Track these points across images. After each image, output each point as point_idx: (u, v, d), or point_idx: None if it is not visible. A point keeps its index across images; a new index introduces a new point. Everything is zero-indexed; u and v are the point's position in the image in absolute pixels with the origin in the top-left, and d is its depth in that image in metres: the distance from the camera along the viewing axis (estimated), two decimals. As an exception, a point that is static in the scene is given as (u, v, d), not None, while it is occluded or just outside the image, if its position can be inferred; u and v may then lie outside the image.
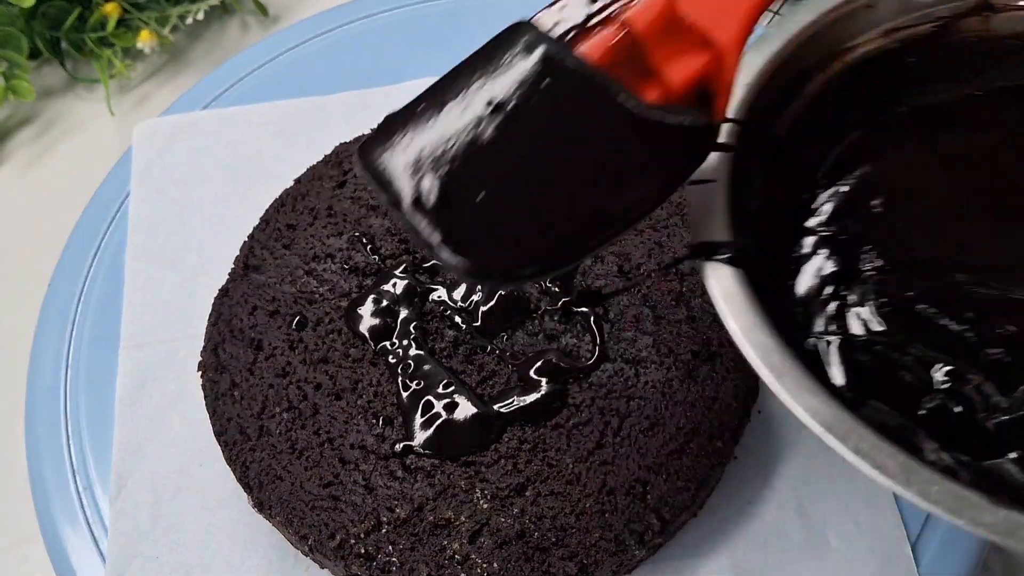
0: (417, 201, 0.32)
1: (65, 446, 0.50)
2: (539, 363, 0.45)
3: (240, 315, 0.49)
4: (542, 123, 0.33)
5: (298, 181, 0.54)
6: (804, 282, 0.38)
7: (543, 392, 0.45)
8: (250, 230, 0.52)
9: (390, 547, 0.42)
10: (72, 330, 0.54)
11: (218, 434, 0.45)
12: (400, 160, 0.32)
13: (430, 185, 0.32)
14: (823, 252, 0.39)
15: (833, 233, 0.40)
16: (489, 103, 0.32)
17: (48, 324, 0.55)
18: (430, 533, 0.42)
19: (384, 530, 0.42)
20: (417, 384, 0.45)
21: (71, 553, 0.47)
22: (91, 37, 0.74)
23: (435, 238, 0.31)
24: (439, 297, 0.48)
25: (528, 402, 0.44)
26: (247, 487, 0.44)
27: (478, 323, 0.47)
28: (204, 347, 0.49)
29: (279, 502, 0.43)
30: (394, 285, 0.48)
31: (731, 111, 0.37)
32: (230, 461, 0.45)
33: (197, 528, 0.47)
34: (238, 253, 0.52)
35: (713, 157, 0.36)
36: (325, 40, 0.67)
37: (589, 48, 0.32)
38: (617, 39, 0.32)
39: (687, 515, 0.44)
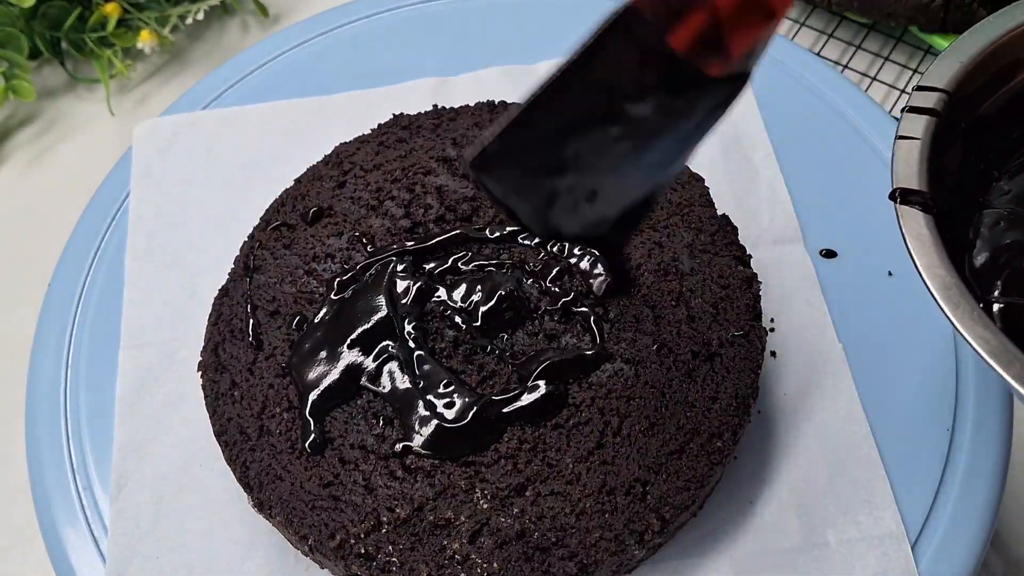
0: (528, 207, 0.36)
1: (65, 446, 0.50)
2: (539, 363, 0.45)
3: (240, 315, 0.49)
4: (637, 115, 0.35)
5: (298, 181, 0.54)
6: (981, 249, 0.43)
7: (543, 392, 0.45)
8: (250, 230, 0.52)
9: (390, 547, 0.42)
10: (72, 330, 0.54)
11: (218, 434, 0.45)
12: (511, 172, 0.35)
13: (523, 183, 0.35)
14: (1002, 226, 0.44)
15: (1015, 212, 0.44)
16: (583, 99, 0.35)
17: (48, 324, 0.55)
18: (430, 533, 0.42)
19: (384, 530, 0.42)
20: (417, 384, 0.45)
21: (71, 553, 0.47)
22: (91, 37, 0.74)
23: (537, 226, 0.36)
24: (439, 297, 0.48)
25: (528, 402, 0.44)
26: (247, 487, 0.44)
27: (478, 323, 0.47)
28: (204, 347, 0.48)
29: (279, 502, 0.43)
30: (394, 285, 0.48)
31: (944, 83, 0.44)
32: (230, 461, 0.44)
33: (197, 528, 0.47)
34: (238, 253, 0.52)
35: (921, 120, 0.43)
36: (325, 40, 0.67)
37: (678, 38, 0.34)
38: (702, 24, 0.34)
39: (687, 515, 0.44)
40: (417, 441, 0.44)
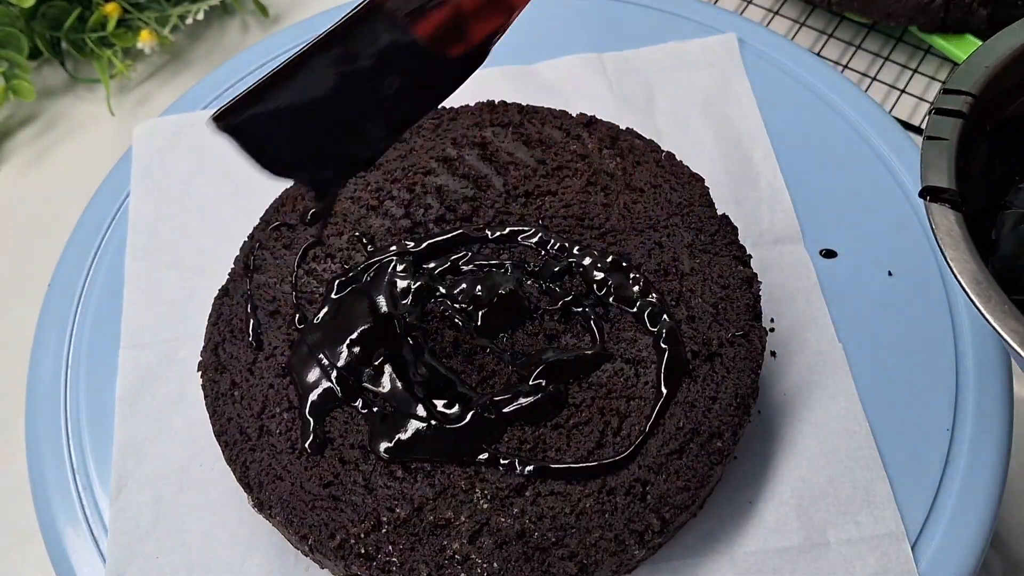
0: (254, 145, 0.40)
1: (65, 446, 0.50)
2: (539, 363, 0.45)
3: (240, 315, 0.49)
4: (353, 79, 0.41)
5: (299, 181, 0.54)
6: (1003, 249, 0.44)
7: (543, 392, 0.45)
8: (250, 230, 0.52)
9: (390, 547, 0.42)
10: (72, 330, 0.54)
11: (218, 434, 0.45)
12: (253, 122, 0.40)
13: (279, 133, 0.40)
14: (1021, 230, 0.44)
15: None
16: (336, 60, 0.40)
17: (48, 324, 0.54)
18: (430, 533, 0.42)
19: (384, 530, 0.42)
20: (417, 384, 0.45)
21: (71, 553, 0.47)
22: (91, 37, 0.74)
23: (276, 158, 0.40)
24: (439, 297, 0.48)
25: (528, 402, 0.44)
26: (247, 487, 0.44)
27: (478, 323, 0.47)
28: (204, 347, 0.48)
29: (279, 502, 0.43)
30: (394, 285, 0.48)
31: (970, 86, 0.45)
32: (230, 461, 0.44)
33: (198, 528, 0.47)
34: (238, 253, 0.52)
35: (949, 122, 0.45)
36: (325, 40, 0.67)
37: (422, 27, 0.40)
38: (445, 17, 0.40)
39: (687, 515, 0.44)
40: None
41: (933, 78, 0.73)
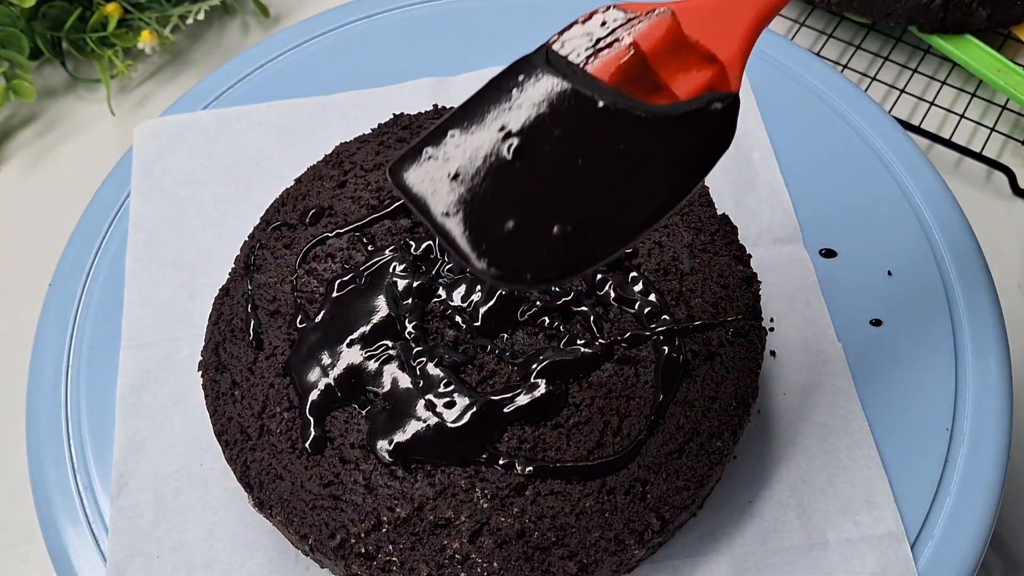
0: (447, 214, 0.34)
1: (66, 445, 0.50)
2: (539, 363, 0.45)
3: (241, 315, 0.49)
4: (560, 138, 0.35)
5: (299, 181, 0.54)
6: None
7: (543, 392, 0.45)
8: (251, 230, 0.52)
9: (390, 546, 0.42)
10: (73, 330, 0.54)
11: (218, 433, 0.45)
12: (431, 177, 0.35)
13: (458, 199, 0.34)
14: None
15: None
16: (508, 126, 0.35)
17: (49, 324, 0.55)
18: (430, 532, 0.42)
19: (384, 529, 0.42)
20: (417, 384, 0.45)
21: (71, 552, 0.47)
22: (92, 37, 0.74)
23: (466, 248, 0.34)
24: (440, 297, 0.48)
25: (528, 402, 0.44)
26: (247, 486, 0.44)
27: (478, 323, 0.47)
28: (205, 346, 0.49)
29: (279, 502, 0.43)
30: (395, 285, 0.48)
31: None
32: (231, 460, 0.45)
33: (198, 527, 0.47)
34: (239, 253, 0.52)
35: None
36: (326, 40, 0.68)
37: (600, 68, 0.35)
38: (626, 58, 0.35)
39: (687, 515, 0.44)
40: None
41: (933, 78, 0.73)
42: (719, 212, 0.52)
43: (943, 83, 0.72)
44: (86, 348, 0.53)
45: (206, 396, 0.47)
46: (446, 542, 0.42)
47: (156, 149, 0.61)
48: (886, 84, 0.73)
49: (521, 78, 0.35)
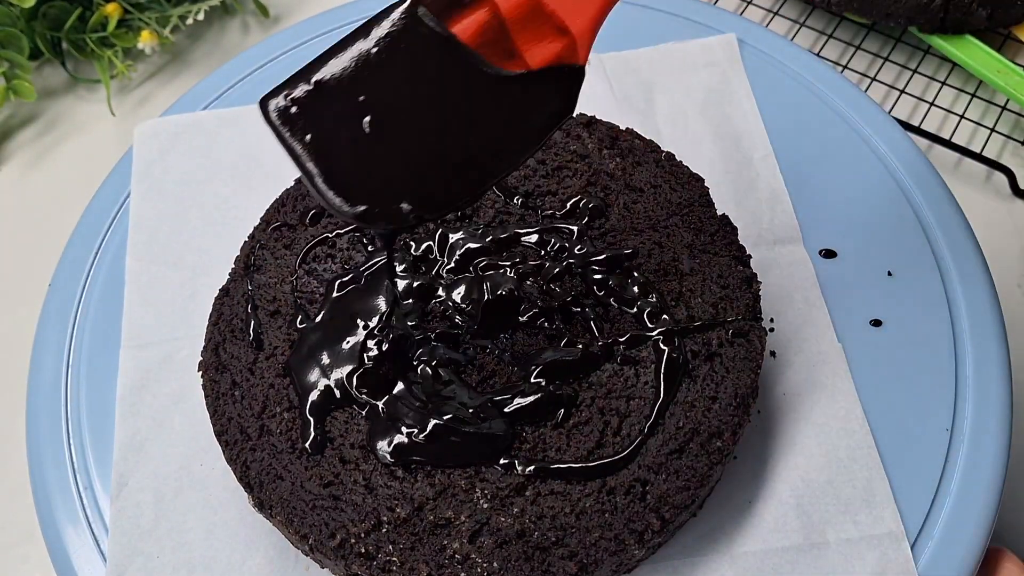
0: (311, 154, 0.37)
1: (66, 445, 0.51)
2: (539, 363, 0.46)
3: (241, 315, 0.49)
4: (416, 87, 0.38)
5: (299, 181, 0.55)
6: None
7: (543, 392, 0.45)
8: (251, 230, 0.53)
9: (390, 546, 0.42)
10: (73, 330, 0.54)
11: (218, 434, 0.46)
12: (299, 118, 0.37)
13: (322, 141, 0.37)
14: None
15: None
16: (371, 76, 0.38)
17: (49, 324, 0.55)
18: (430, 532, 0.42)
19: (384, 529, 0.42)
20: (417, 383, 0.45)
21: (71, 552, 0.47)
22: (92, 37, 0.75)
23: (322, 186, 0.37)
24: (440, 297, 0.48)
25: (527, 402, 0.45)
26: (247, 487, 0.44)
27: (478, 323, 0.47)
28: (205, 347, 0.49)
29: (279, 502, 0.43)
30: (395, 285, 0.48)
31: None
32: (231, 461, 0.45)
33: (198, 527, 0.47)
34: (239, 253, 0.52)
35: None
36: (326, 40, 0.67)
37: (461, 28, 0.38)
38: (485, 20, 0.37)
39: (687, 514, 0.45)
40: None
41: (932, 78, 0.73)
42: (719, 212, 0.52)
43: (943, 83, 0.72)
44: (86, 348, 0.54)
45: (206, 396, 0.47)
46: (446, 542, 0.42)
47: (156, 149, 0.61)
48: (886, 84, 0.73)
49: (388, 28, 0.38)
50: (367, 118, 0.37)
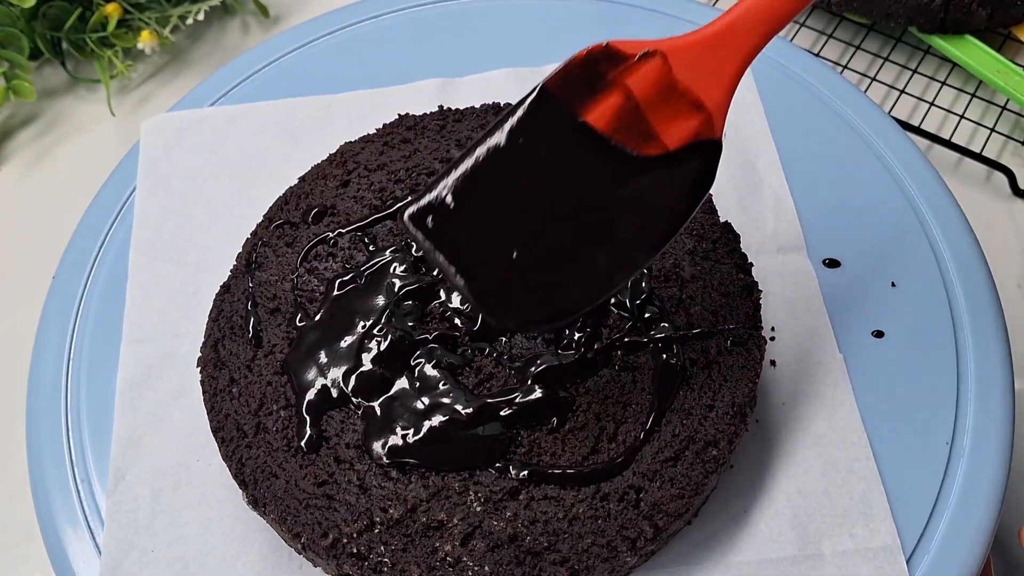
0: (459, 262, 0.39)
1: (65, 444, 0.52)
2: (536, 367, 0.47)
3: (241, 312, 0.51)
4: (557, 182, 0.39)
5: (302, 179, 0.57)
6: None
7: (539, 395, 0.46)
8: (254, 227, 0.55)
9: (382, 547, 0.44)
10: (75, 325, 0.57)
11: (215, 430, 0.47)
12: (441, 224, 0.39)
13: (469, 247, 0.39)
14: None
15: None
16: (511, 175, 0.39)
17: (51, 318, 0.57)
18: (422, 534, 0.44)
19: (377, 530, 0.44)
20: (414, 385, 0.47)
21: (70, 552, 0.49)
22: (92, 37, 0.77)
23: (476, 299, 0.40)
24: (439, 299, 0.49)
25: (524, 404, 0.46)
26: (242, 484, 0.46)
27: (477, 326, 0.48)
28: (204, 343, 0.51)
29: (273, 500, 0.45)
30: (394, 286, 0.49)
31: None
32: (226, 457, 0.47)
33: (194, 523, 0.49)
34: (241, 250, 0.54)
35: None
36: (332, 40, 0.70)
37: (595, 116, 0.39)
38: (620, 104, 0.39)
39: (681, 523, 0.46)
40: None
41: (932, 78, 0.75)
42: (723, 219, 0.53)
43: (943, 83, 0.74)
44: (87, 343, 0.56)
45: (204, 392, 0.49)
46: (438, 544, 0.43)
47: (162, 145, 0.64)
48: (886, 84, 0.75)
49: (522, 124, 0.39)
50: (510, 222, 0.39)
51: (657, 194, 0.40)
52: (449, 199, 0.39)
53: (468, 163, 0.39)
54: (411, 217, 0.39)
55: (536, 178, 0.39)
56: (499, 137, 0.39)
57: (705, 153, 0.40)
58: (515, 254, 0.39)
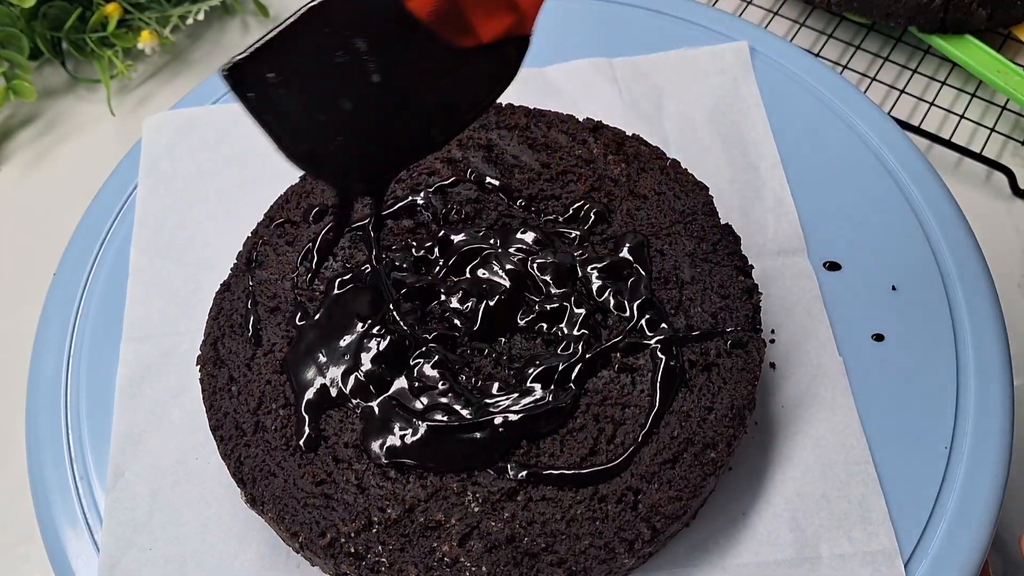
0: (277, 121, 0.42)
1: (65, 443, 0.54)
2: (535, 367, 0.48)
3: (240, 310, 0.53)
4: (375, 60, 0.42)
5: (303, 178, 0.58)
6: None
7: (538, 397, 0.47)
8: (254, 226, 0.56)
9: (380, 547, 0.45)
10: (75, 323, 0.58)
11: (214, 428, 0.49)
12: (264, 86, 0.42)
13: (288, 106, 0.43)
14: None
15: None
16: (330, 38, 0.42)
17: (51, 317, 0.58)
18: (420, 534, 0.45)
19: (375, 530, 0.45)
20: (413, 386, 0.48)
21: (69, 552, 0.50)
22: (92, 37, 0.78)
23: (299, 155, 0.44)
24: (440, 299, 0.50)
25: (522, 406, 0.47)
26: (240, 482, 0.47)
27: (476, 326, 0.49)
28: (204, 341, 0.52)
29: (271, 499, 0.46)
30: (395, 285, 0.51)
31: None
32: (225, 456, 0.48)
33: (192, 521, 0.50)
34: (241, 248, 0.55)
35: None
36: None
37: (418, 5, 0.42)
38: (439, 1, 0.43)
39: (678, 525, 0.47)
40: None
41: (933, 78, 0.77)
42: (723, 221, 0.54)
43: (943, 83, 0.76)
44: (88, 341, 0.57)
45: (203, 391, 0.50)
46: (435, 544, 0.45)
47: (164, 143, 0.65)
48: (886, 84, 0.76)
49: (347, 3, 0.42)
50: (326, 88, 0.43)
51: (466, 81, 0.44)
52: (269, 59, 0.42)
53: (290, 24, 0.42)
54: (228, 73, 0.41)
55: (357, 55, 0.42)
56: (323, 10, 0.42)
57: (516, 47, 0.44)
58: (329, 119, 0.43)
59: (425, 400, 0.48)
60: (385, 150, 0.45)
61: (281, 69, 0.42)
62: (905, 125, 0.71)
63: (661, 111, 0.65)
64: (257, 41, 0.41)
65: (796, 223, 0.59)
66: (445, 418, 0.47)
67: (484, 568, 0.44)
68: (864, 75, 0.76)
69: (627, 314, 0.50)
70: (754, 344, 0.50)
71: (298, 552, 0.47)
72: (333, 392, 0.49)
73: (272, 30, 0.41)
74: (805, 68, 0.66)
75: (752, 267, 0.53)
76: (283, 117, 0.43)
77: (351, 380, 0.49)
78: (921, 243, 0.58)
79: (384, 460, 0.47)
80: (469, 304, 0.50)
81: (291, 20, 0.41)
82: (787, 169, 0.62)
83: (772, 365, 0.54)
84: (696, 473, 0.46)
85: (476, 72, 0.45)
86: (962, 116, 0.74)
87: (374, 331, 0.50)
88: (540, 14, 0.44)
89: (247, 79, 0.41)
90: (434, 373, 0.49)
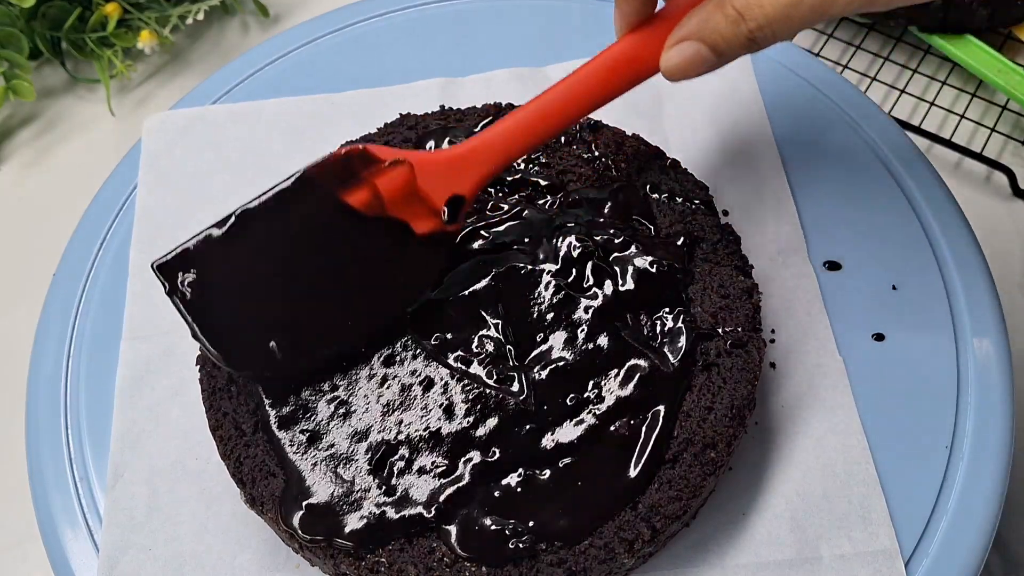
0: (202, 317, 0.46)
1: (65, 444, 0.54)
2: (537, 366, 0.48)
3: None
4: (319, 252, 0.46)
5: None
6: None
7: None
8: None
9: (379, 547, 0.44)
10: (75, 323, 0.58)
11: (213, 429, 0.49)
12: (192, 281, 0.46)
13: (218, 306, 0.46)
14: None
15: None
16: (268, 243, 0.47)
17: (51, 317, 0.59)
18: (419, 535, 0.45)
19: (374, 530, 0.45)
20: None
21: (69, 551, 0.50)
22: (91, 37, 0.78)
23: (201, 337, 0.46)
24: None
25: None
26: (240, 483, 0.47)
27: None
28: (204, 341, 0.52)
29: (271, 499, 0.46)
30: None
31: None
32: (224, 456, 0.48)
33: (192, 521, 0.51)
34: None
35: None
36: (334, 39, 0.71)
37: (353, 200, 0.47)
38: (368, 199, 0.47)
39: (678, 525, 0.47)
40: None
41: (933, 78, 0.77)
42: (723, 221, 0.54)
43: (943, 83, 0.76)
44: (87, 341, 0.57)
45: (203, 391, 0.51)
46: (435, 544, 0.44)
47: (164, 142, 0.65)
48: (886, 84, 0.76)
49: (283, 196, 0.47)
50: (260, 280, 0.47)
51: (409, 267, 0.47)
52: (204, 255, 0.46)
53: (229, 222, 0.47)
54: (160, 267, 0.46)
55: (292, 243, 0.46)
56: (260, 204, 0.46)
57: (444, 243, 0.48)
58: (263, 309, 0.46)
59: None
60: (306, 342, 0.47)
61: (204, 270, 0.46)
62: (905, 125, 0.71)
63: (661, 110, 0.66)
64: (184, 242, 0.46)
65: (796, 223, 0.60)
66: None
67: (484, 568, 0.44)
68: (864, 75, 0.77)
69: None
70: (754, 344, 0.50)
71: (298, 552, 0.48)
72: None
73: (200, 232, 0.46)
74: (805, 68, 0.66)
75: (752, 267, 0.54)
76: (205, 312, 0.46)
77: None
78: (921, 243, 0.58)
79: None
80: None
81: (219, 223, 0.46)
82: (787, 169, 0.62)
83: (772, 365, 0.54)
84: (696, 473, 0.46)
85: (418, 260, 0.47)
86: (962, 116, 0.74)
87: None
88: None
89: (174, 276, 0.45)
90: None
